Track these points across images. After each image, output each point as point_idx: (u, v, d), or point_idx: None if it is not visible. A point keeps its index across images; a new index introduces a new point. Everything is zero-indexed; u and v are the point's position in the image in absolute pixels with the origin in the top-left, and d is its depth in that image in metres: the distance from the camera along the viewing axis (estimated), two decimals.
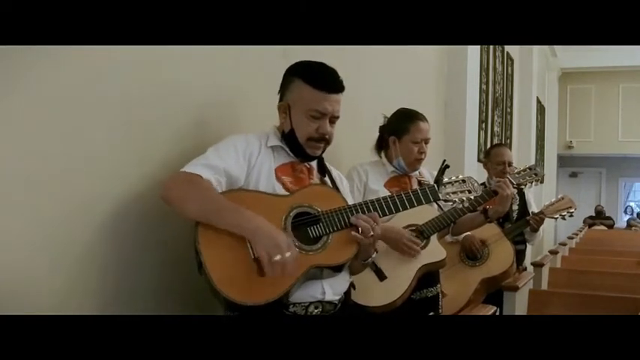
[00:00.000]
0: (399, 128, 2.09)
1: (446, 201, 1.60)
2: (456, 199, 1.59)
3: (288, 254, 1.26)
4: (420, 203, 1.52)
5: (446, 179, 1.62)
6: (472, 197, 1.59)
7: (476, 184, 1.64)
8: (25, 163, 1.18)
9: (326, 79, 1.48)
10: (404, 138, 2.07)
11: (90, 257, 1.33)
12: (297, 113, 1.48)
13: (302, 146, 1.50)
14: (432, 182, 2.09)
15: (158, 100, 1.51)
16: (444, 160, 1.68)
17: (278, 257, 1.25)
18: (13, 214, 1.16)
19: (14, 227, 1.16)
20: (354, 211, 1.44)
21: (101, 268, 1.37)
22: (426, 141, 2.09)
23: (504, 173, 3.03)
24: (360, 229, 1.41)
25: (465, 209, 2.04)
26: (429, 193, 1.55)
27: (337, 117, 1.51)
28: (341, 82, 1.50)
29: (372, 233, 1.42)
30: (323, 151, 1.55)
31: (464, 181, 1.60)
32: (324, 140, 1.51)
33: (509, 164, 3.09)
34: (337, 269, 1.44)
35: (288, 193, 1.45)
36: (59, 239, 1.26)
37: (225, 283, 1.29)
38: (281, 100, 1.54)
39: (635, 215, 11.26)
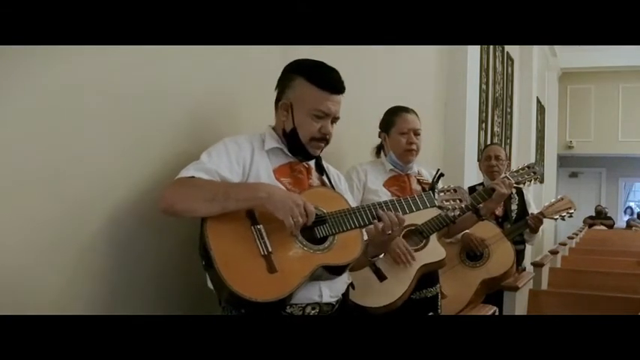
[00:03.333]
0: (387, 123, 2.15)
1: (440, 207, 1.64)
2: (449, 207, 1.64)
3: (310, 207, 1.33)
4: (417, 208, 1.56)
5: (440, 187, 1.67)
6: (463, 206, 1.65)
7: (466, 194, 1.69)
8: (24, 163, 1.18)
9: (330, 80, 1.48)
10: (391, 131, 2.12)
11: (88, 257, 1.33)
12: (300, 113, 1.48)
13: (304, 146, 1.50)
14: (430, 182, 2.11)
15: (158, 101, 1.51)
16: (439, 169, 1.76)
17: (299, 216, 1.31)
18: (11, 214, 1.16)
19: (13, 227, 1.16)
20: (358, 214, 1.46)
21: (100, 268, 1.37)
22: (415, 132, 2.10)
23: (492, 167, 3.09)
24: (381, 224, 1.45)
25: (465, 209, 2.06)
26: (425, 200, 1.58)
27: (338, 118, 1.52)
28: (343, 82, 1.51)
29: (389, 232, 1.45)
30: (321, 151, 1.56)
31: (455, 190, 1.66)
32: (326, 140, 1.52)
33: (497, 157, 3.12)
34: (338, 272, 1.44)
35: None
36: (57, 239, 1.26)
37: (235, 279, 1.28)
38: (280, 97, 1.53)
39: (635, 215, 11.25)
